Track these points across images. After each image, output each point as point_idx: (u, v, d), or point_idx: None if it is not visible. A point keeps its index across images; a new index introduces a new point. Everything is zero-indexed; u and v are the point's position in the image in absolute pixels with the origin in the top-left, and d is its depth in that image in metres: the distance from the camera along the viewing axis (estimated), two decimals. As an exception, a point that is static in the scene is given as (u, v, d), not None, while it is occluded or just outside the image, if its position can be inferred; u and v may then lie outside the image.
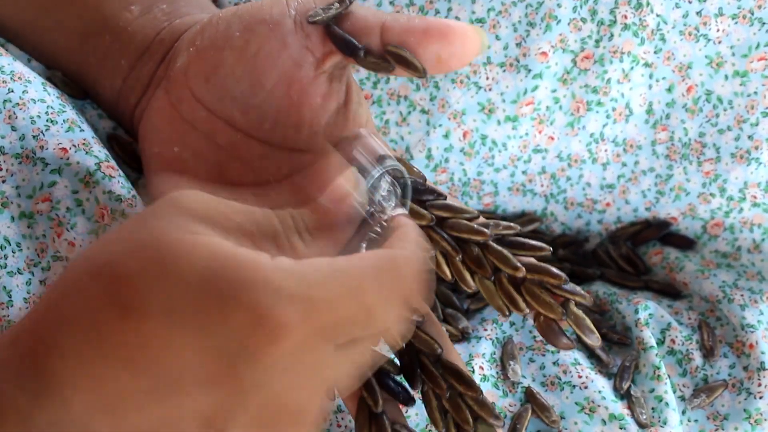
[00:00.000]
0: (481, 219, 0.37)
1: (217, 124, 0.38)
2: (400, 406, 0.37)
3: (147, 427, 0.25)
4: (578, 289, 0.36)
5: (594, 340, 0.36)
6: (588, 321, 0.36)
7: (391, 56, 0.35)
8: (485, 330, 0.44)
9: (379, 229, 0.32)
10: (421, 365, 0.37)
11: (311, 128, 0.38)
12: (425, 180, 0.37)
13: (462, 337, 0.44)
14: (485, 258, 0.36)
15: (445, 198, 0.37)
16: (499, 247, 0.36)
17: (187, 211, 0.27)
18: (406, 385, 0.37)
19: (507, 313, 0.36)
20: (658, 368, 0.43)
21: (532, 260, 0.36)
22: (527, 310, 0.36)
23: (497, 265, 0.36)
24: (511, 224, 0.37)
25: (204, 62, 0.37)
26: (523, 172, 0.50)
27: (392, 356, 0.38)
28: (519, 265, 0.35)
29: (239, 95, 0.37)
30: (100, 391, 0.25)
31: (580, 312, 0.36)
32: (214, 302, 0.25)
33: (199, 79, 0.37)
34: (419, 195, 0.37)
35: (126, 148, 0.41)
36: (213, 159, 0.38)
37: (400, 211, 0.33)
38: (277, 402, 0.26)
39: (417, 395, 0.37)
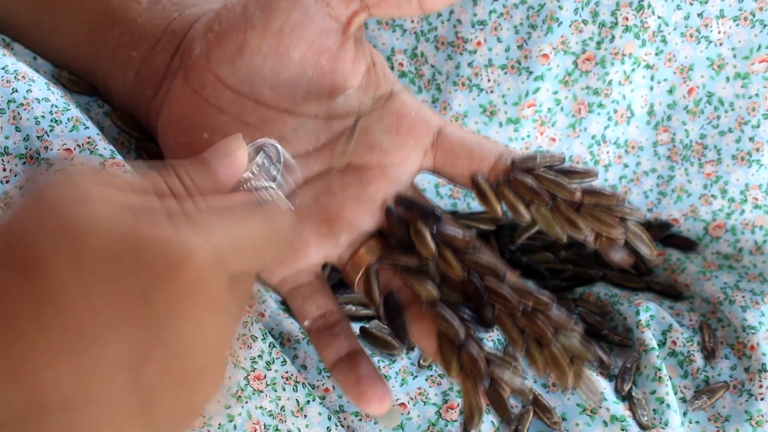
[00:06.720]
0: (523, 152, 0.37)
1: (245, 104, 0.38)
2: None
3: (67, 382, 0.25)
4: (633, 206, 0.37)
5: (647, 252, 0.36)
6: (644, 235, 0.37)
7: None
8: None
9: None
10: (487, 289, 0.37)
11: None
12: None
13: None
14: (540, 186, 0.37)
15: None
16: (552, 175, 0.36)
17: (80, 176, 0.27)
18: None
19: (564, 241, 0.37)
20: (660, 370, 0.43)
21: (584, 185, 0.36)
22: (587, 232, 0.36)
23: (553, 191, 0.36)
24: (555, 154, 0.37)
25: (227, 46, 0.37)
26: (525, 174, 0.50)
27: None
28: (575, 188, 0.36)
29: (268, 72, 0.37)
30: (7, 354, 0.24)
31: (636, 228, 0.37)
32: (120, 246, 0.25)
33: (224, 62, 0.37)
34: None
35: (154, 155, 0.41)
36: (246, 139, 0.38)
37: (268, 184, 0.34)
38: (189, 338, 0.26)
39: None
